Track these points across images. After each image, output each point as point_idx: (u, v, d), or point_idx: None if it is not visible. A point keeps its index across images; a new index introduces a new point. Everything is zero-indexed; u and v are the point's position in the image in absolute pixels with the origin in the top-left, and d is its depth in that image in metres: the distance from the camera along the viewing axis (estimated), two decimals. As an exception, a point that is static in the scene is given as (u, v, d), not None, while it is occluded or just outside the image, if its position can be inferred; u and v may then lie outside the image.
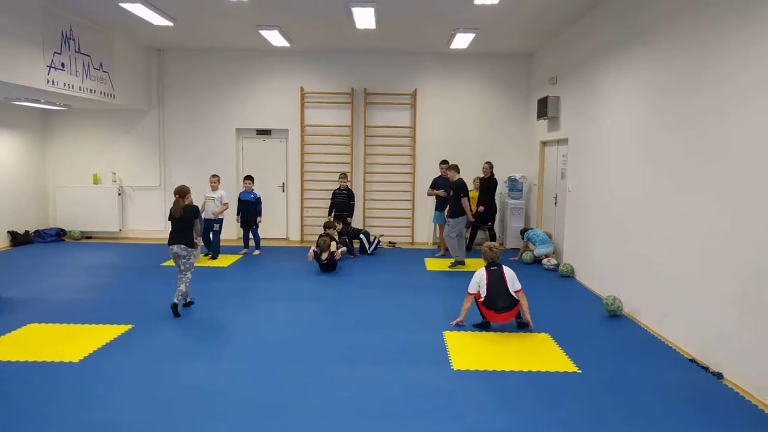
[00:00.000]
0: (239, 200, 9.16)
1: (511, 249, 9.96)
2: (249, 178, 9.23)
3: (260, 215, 9.22)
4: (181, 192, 6.00)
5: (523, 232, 9.18)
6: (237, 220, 9.24)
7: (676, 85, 5.17)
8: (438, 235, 9.79)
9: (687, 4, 4.99)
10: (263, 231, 9.89)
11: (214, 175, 8.82)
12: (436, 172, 10.39)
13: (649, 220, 5.62)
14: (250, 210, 9.10)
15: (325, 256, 7.88)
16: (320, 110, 10.61)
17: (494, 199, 9.71)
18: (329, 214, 9.51)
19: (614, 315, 5.95)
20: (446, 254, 9.29)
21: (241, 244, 9.66)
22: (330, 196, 9.72)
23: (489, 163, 9.74)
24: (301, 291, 6.91)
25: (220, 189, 8.79)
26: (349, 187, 9.83)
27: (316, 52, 10.35)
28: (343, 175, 9.63)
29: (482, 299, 5.37)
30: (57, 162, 10.77)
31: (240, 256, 9.01)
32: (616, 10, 6.60)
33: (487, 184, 9.63)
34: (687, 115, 4.96)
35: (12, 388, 3.97)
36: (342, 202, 9.47)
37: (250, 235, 9.38)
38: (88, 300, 6.34)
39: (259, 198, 9.22)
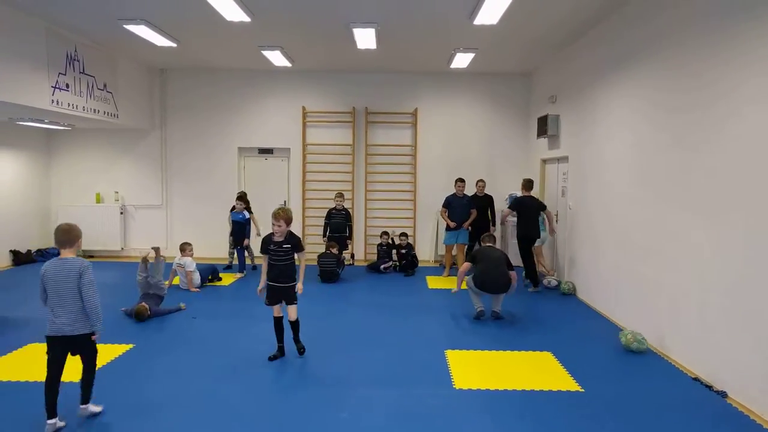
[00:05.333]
0: (232, 221, 9.09)
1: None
2: (240, 198, 9.07)
3: (248, 237, 9.01)
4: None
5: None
6: (229, 241, 9.18)
7: (672, 103, 5.22)
8: (445, 254, 9.52)
9: (682, 23, 5.07)
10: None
11: (186, 243, 8.12)
12: (437, 190, 10.43)
13: (649, 238, 5.63)
14: (238, 231, 8.99)
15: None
16: (322, 129, 10.69)
17: (487, 215, 9.55)
18: (324, 236, 9.30)
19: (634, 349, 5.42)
20: (451, 273, 9.24)
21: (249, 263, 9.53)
22: (325, 216, 9.46)
23: (482, 180, 9.63)
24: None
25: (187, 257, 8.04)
26: (345, 207, 9.64)
27: (317, 71, 10.47)
28: (340, 195, 9.44)
29: None
30: (60, 181, 10.84)
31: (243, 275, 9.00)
32: (613, 30, 6.68)
33: (481, 201, 9.47)
34: (683, 133, 5.00)
35: (12, 409, 3.96)
36: (339, 223, 9.27)
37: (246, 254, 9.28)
38: (90, 319, 6.32)
39: (248, 219, 9.11)
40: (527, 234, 8.02)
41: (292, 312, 5.08)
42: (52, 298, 3.62)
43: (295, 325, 5.15)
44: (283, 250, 4.90)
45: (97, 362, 3.84)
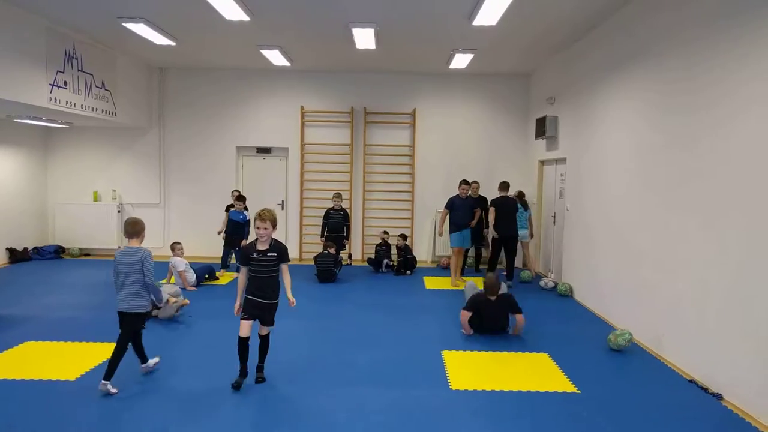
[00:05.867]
0: (229, 219, 8.96)
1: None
2: (240, 198, 9.00)
3: (246, 238, 8.82)
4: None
5: None
6: (222, 237, 9.11)
7: (670, 105, 5.22)
8: (452, 257, 8.75)
9: (681, 25, 5.07)
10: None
11: (176, 243, 8.05)
12: (435, 191, 10.45)
13: (647, 239, 5.63)
14: (237, 231, 8.87)
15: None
16: (320, 129, 10.68)
17: (481, 217, 9.34)
18: (321, 235, 9.32)
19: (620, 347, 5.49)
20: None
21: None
22: (323, 216, 9.45)
23: (476, 182, 9.37)
24: (299, 310, 6.84)
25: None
26: (343, 207, 9.65)
27: (316, 71, 10.46)
28: (338, 195, 9.43)
29: None
30: (57, 179, 10.82)
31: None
32: (611, 32, 6.69)
33: (475, 203, 9.10)
34: (682, 135, 5.01)
35: (7, 407, 3.94)
36: (337, 223, 9.28)
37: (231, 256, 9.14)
38: (86, 318, 6.31)
39: (248, 221, 8.98)
40: (505, 233, 8.47)
41: (264, 328, 4.45)
42: (117, 280, 4.30)
43: (264, 342, 4.48)
44: (267, 259, 4.24)
45: (126, 347, 4.29)
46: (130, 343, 4.38)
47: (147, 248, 4.37)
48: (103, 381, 4.16)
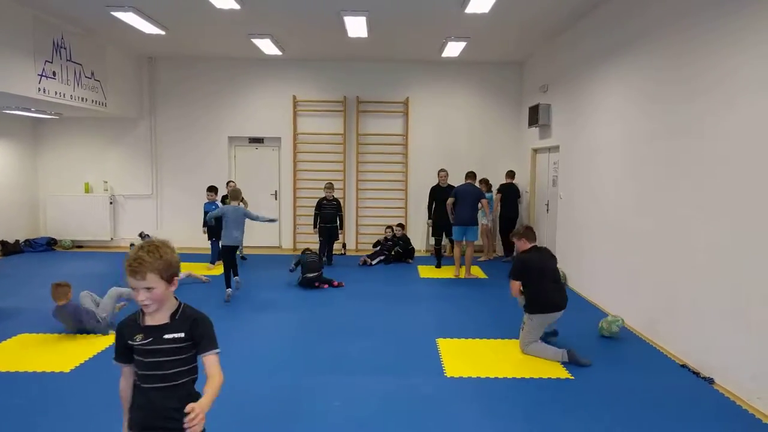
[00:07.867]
0: (204, 212, 8.70)
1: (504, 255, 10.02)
2: (211, 189, 8.86)
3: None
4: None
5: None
6: (203, 231, 8.84)
7: (663, 93, 5.23)
8: (455, 249, 8.50)
9: (674, 13, 5.07)
10: (253, 239, 10.02)
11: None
12: (429, 180, 10.39)
13: (640, 227, 5.66)
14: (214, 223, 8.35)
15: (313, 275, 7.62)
16: (313, 118, 10.63)
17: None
18: (314, 227, 9.21)
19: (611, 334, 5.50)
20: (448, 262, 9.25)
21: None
22: (315, 206, 9.29)
23: (444, 170, 9.08)
24: (292, 300, 6.90)
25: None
26: (336, 197, 9.50)
27: (308, 60, 10.39)
28: (330, 186, 9.32)
29: None
30: (48, 171, 10.72)
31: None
32: (604, 19, 6.68)
33: (444, 193, 8.75)
34: (675, 123, 5.02)
35: (2, 399, 3.93)
36: (330, 214, 9.18)
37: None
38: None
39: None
40: (508, 215, 9.72)
41: None
42: (229, 225, 6.77)
43: None
44: (165, 348, 2.07)
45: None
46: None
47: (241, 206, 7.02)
48: (227, 291, 6.63)
